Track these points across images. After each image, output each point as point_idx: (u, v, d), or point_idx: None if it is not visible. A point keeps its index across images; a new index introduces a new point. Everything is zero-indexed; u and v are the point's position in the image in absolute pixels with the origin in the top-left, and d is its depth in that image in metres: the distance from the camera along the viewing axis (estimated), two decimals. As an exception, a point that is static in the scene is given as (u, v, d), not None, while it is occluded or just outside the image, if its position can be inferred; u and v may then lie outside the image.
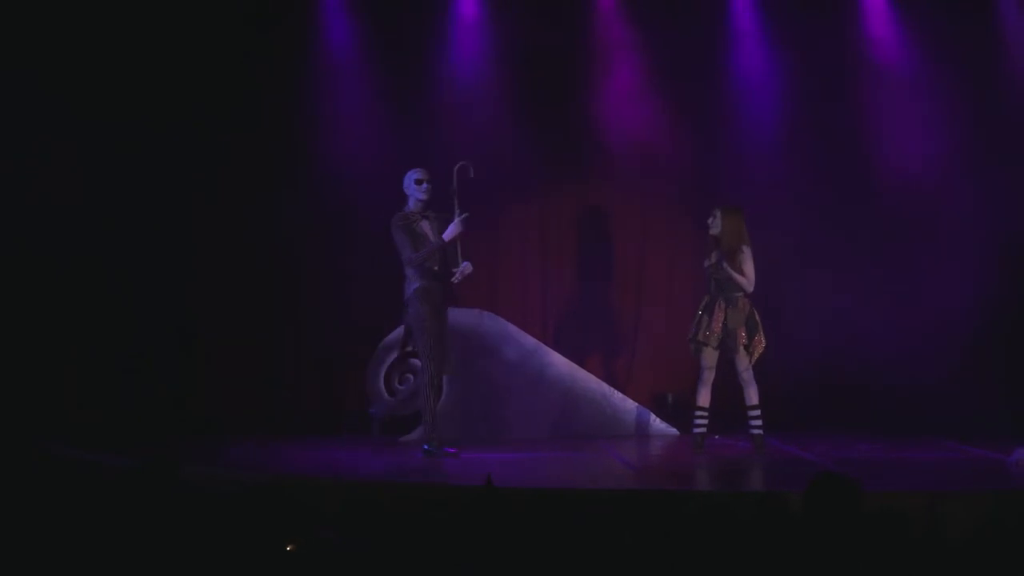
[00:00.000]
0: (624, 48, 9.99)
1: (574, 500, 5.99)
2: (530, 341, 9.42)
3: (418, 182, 7.94)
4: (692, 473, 7.76)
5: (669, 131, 10.02)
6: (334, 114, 9.82)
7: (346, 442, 8.85)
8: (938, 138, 9.67)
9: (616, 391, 9.53)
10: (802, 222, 9.70)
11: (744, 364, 8.19)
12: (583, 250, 10.24)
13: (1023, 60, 9.60)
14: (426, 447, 7.87)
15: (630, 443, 9.11)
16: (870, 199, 9.82)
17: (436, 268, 7.94)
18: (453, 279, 7.99)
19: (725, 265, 8.16)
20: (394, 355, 9.14)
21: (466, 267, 7.98)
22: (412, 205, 7.96)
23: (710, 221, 8.29)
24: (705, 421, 8.30)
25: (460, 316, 8.59)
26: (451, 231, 7.89)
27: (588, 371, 9.58)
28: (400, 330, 8.90)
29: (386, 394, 9.21)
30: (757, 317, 8.22)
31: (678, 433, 9.39)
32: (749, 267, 8.18)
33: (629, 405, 9.51)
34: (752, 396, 8.21)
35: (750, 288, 8.20)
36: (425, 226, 7.95)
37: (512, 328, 9.40)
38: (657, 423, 9.50)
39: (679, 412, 9.47)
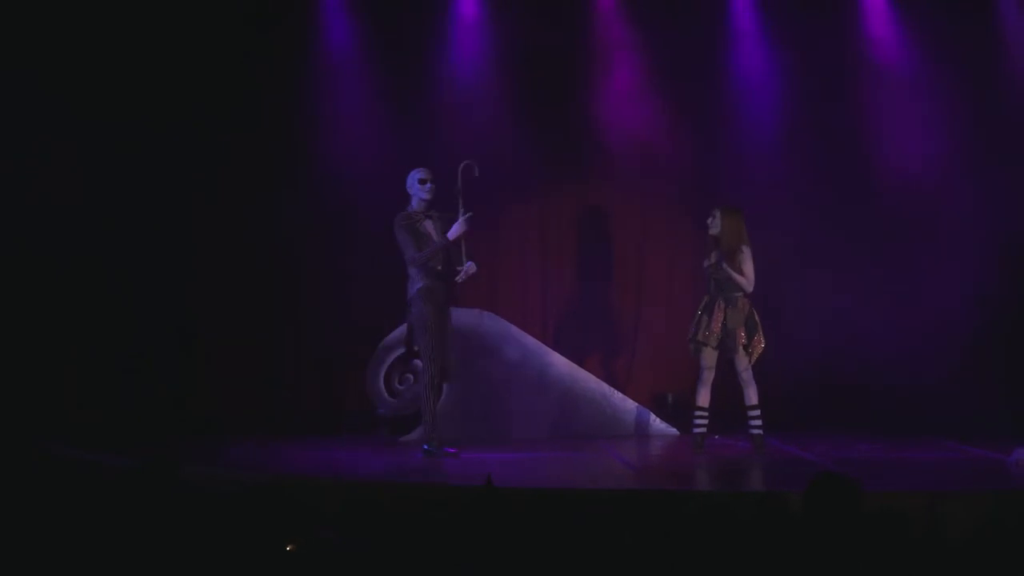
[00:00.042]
0: (624, 48, 9.99)
1: (574, 500, 5.99)
2: (530, 341, 9.42)
3: (421, 181, 7.94)
4: (692, 473, 7.76)
5: (669, 131, 10.02)
6: (334, 114, 9.82)
7: (346, 442, 8.85)
8: (938, 138, 9.68)
9: (616, 391, 9.53)
10: (802, 222, 9.70)
11: (743, 364, 8.19)
12: (583, 250, 10.24)
13: (1023, 60, 9.60)
14: (426, 447, 7.87)
15: (630, 443, 9.11)
16: (870, 199, 9.81)
17: (439, 268, 7.94)
18: (457, 278, 7.99)
19: (725, 265, 8.16)
20: (394, 355, 9.14)
21: (470, 267, 7.98)
22: (415, 205, 7.95)
23: (710, 221, 8.29)
24: (705, 421, 8.30)
25: (460, 316, 8.59)
26: (455, 230, 7.89)
27: (588, 371, 9.58)
28: (400, 330, 8.92)
29: (386, 394, 9.21)
30: (756, 317, 8.22)
31: (678, 433, 9.39)
32: (749, 267, 8.19)
33: (629, 405, 9.51)
34: (752, 396, 8.21)
35: (750, 288, 8.20)
36: (428, 225, 7.95)
37: (512, 328, 9.40)
38: (657, 423, 9.50)
39: (679, 412, 9.47)
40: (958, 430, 8.64)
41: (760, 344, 8.20)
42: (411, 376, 9.08)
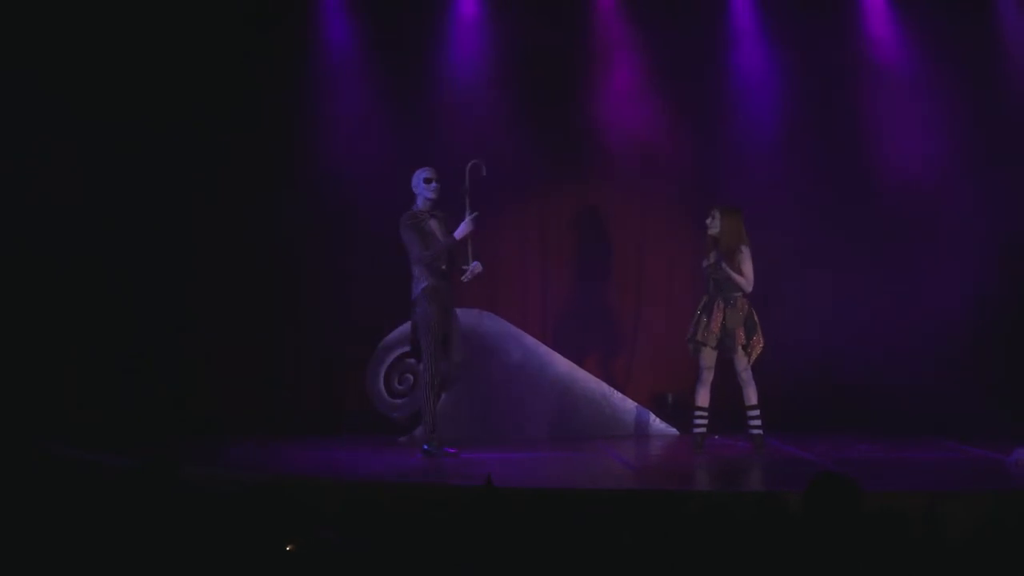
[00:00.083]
0: (624, 48, 9.99)
1: (574, 500, 5.99)
2: (530, 341, 9.42)
3: (427, 181, 7.93)
4: (692, 473, 7.77)
5: (669, 131, 10.01)
6: (334, 114, 9.81)
7: (346, 442, 8.85)
8: (938, 138, 9.67)
9: (616, 391, 9.53)
10: (802, 222, 9.70)
11: (743, 364, 8.20)
12: (583, 250, 10.24)
13: (1023, 60, 9.60)
14: (426, 447, 7.87)
15: (630, 443, 9.12)
16: (870, 199, 9.81)
17: (444, 267, 7.94)
18: (463, 277, 8.01)
19: (724, 265, 8.16)
20: (394, 355, 9.14)
21: (476, 266, 7.99)
22: (420, 204, 7.95)
23: (709, 221, 8.30)
24: (705, 421, 8.30)
25: (460, 316, 8.56)
26: (462, 230, 7.90)
27: (588, 371, 9.58)
28: (400, 330, 8.94)
29: (386, 394, 9.21)
30: (755, 317, 8.22)
31: (678, 433, 9.39)
32: (748, 267, 8.19)
33: (629, 405, 9.51)
34: (751, 396, 8.22)
35: (749, 288, 8.20)
36: (433, 225, 7.94)
37: (512, 328, 9.40)
38: (657, 423, 9.50)
39: (679, 412, 9.47)
40: (958, 430, 8.65)
41: (759, 344, 8.20)
42: (411, 376, 9.08)
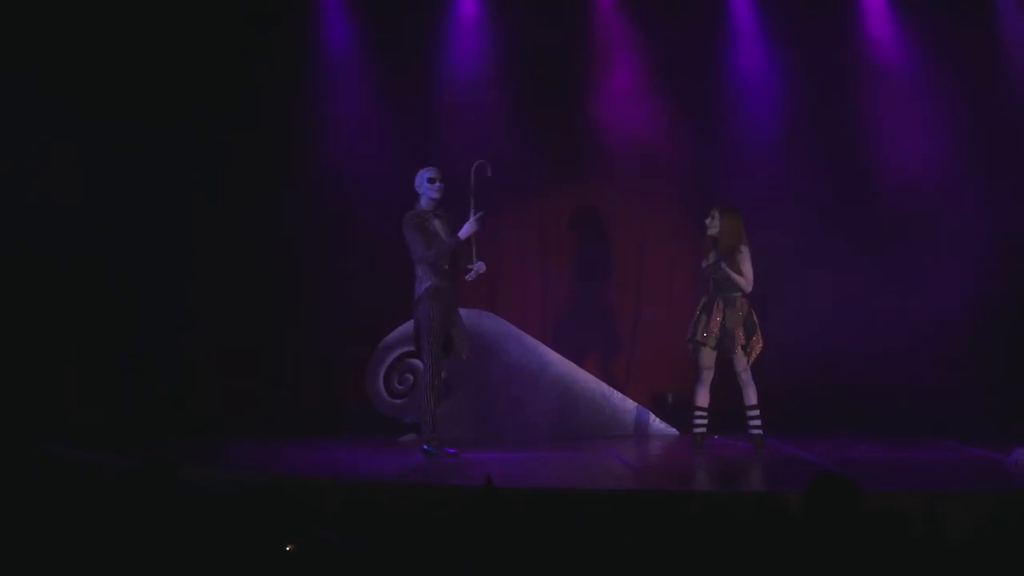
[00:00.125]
0: (624, 48, 9.98)
1: (574, 500, 5.99)
2: (530, 341, 9.42)
3: (431, 180, 7.92)
4: (692, 473, 7.77)
5: (669, 131, 10.01)
6: (334, 114, 9.81)
7: (346, 442, 8.85)
8: (938, 138, 9.68)
9: (616, 391, 9.54)
10: (802, 222, 9.70)
11: (742, 364, 8.20)
12: (583, 250, 10.23)
13: (1023, 60, 9.60)
14: (426, 447, 7.86)
15: (630, 443, 9.12)
16: (870, 199, 9.81)
17: (447, 267, 7.94)
18: (467, 277, 8.01)
19: (723, 265, 8.17)
20: (394, 355, 9.13)
21: (480, 266, 7.99)
22: (424, 203, 7.94)
23: (708, 221, 8.30)
24: (704, 421, 8.30)
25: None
26: (467, 229, 7.90)
27: (588, 371, 9.58)
28: (400, 330, 8.93)
29: (386, 394, 9.20)
30: (755, 317, 8.22)
31: (678, 433, 9.39)
32: (747, 267, 8.19)
33: (629, 405, 9.51)
34: (751, 396, 8.22)
35: (748, 288, 8.20)
36: (437, 224, 7.94)
37: (512, 328, 9.40)
38: (657, 423, 9.50)
39: (679, 412, 9.47)
40: (958, 430, 8.65)
41: (759, 344, 8.21)
42: (411, 376, 9.07)
